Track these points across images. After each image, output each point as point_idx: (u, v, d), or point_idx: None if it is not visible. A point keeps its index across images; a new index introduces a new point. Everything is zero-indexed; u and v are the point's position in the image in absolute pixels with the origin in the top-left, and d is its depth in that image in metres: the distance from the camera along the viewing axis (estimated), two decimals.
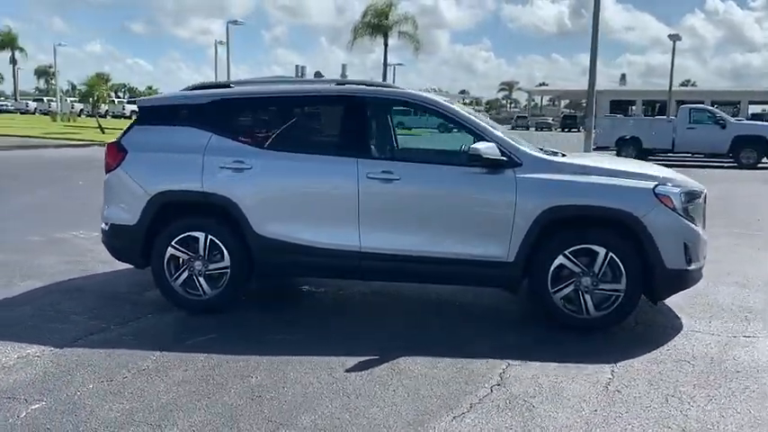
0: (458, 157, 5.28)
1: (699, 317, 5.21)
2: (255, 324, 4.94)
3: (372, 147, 5.01)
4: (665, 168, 5.69)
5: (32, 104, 64.48)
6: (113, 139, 5.46)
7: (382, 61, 54.06)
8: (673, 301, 5.34)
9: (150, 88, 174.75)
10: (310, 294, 5.88)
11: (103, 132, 29.22)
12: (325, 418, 3.41)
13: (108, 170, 5.29)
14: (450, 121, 5.00)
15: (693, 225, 4.79)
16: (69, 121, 35.38)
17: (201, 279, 5.10)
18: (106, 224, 5.34)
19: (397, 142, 5.52)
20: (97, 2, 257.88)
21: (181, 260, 5.11)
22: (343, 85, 5.47)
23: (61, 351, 4.28)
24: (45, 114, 54.43)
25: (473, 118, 4.98)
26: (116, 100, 66.67)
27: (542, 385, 3.87)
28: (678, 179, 4.95)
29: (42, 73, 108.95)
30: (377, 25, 52.01)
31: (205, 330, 4.73)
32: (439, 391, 3.77)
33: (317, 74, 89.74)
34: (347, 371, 4.03)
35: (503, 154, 4.77)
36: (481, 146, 4.68)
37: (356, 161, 4.89)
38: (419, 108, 5.21)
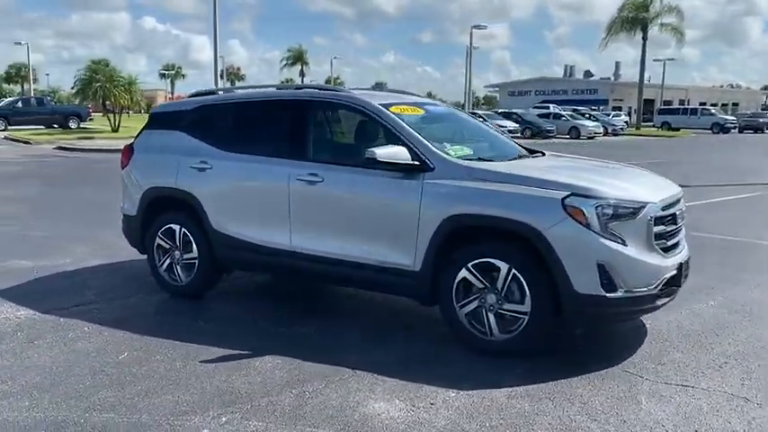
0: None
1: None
2: (194, 313, 5.39)
3: (304, 149, 5.08)
4: (651, 178, 4.87)
5: None
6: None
7: (640, 57, 50.49)
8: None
9: (430, 94, 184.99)
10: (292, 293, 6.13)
11: None
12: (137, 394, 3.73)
13: (122, 168, 6.17)
14: (374, 123, 4.89)
15: (616, 244, 4.05)
16: None
17: (178, 267, 5.70)
18: (122, 214, 6.22)
19: (330, 145, 5.51)
20: (390, 16, 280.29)
21: (165, 249, 5.76)
22: (300, 90, 5.62)
23: (40, 315, 5.17)
24: None
25: (398, 121, 4.78)
26: None
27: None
28: (615, 191, 4.19)
29: (332, 83, 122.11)
30: (634, 19, 48.64)
31: (163, 312, 5.33)
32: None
33: (587, 73, 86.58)
34: (201, 361, 4.27)
35: (415, 158, 4.55)
36: (380, 150, 4.51)
37: (289, 163, 5.06)
38: (345, 109, 5.15)
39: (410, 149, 4.57)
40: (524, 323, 4.22)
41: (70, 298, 5.65)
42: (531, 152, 5.65)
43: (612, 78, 79.37)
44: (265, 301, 5.84)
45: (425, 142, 4.63)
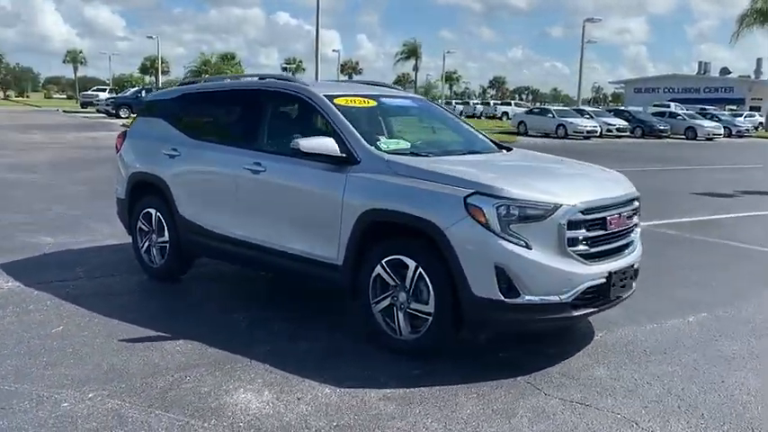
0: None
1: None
2: (164, 296, 5.60)
3: (254, 139, 5.11)
4: (594, 181, 4.53)
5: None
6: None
7: None
8: None
9: (555, 90, 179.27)
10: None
11: None
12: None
13: (117, 152, 6.50)
14: (315, 113, 4.84)
15: (517, 246, 3.78)
16: None
17: (154, 250, 5.95)
18: (115, 197, 6.56)
19: (277, 135, 5.48)
20: (519, 10, 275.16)
21: (144, 231, 6.03)
22: (263, 80, 5.65)
23: (20, 287, 5.59)
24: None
25: (335, 112, 4.69)
26: (491, 102, 70.84)
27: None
28: (524, 191, 3.90)
29: (448, 78, 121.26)
30: None
31: (131, 292, 5.60)
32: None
33: (723, 70, 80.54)
34: (120, 340, 4.44)
35: (344, 150, 4.47)
36: (304, 141, 4.47)
37: (240, 152, 5.13)
38: (293, 99, 5.11)
39: (341, 141, 4.50)
40: (429, 324, 4.05)
41: (58, 273, 6.04)
42: (501, 148, 5.43)
43: (753, 76, 73.28)
44: (234, 287, 5.96)
45: (356, 134, 4.54)
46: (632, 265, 4.32)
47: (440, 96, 76.90)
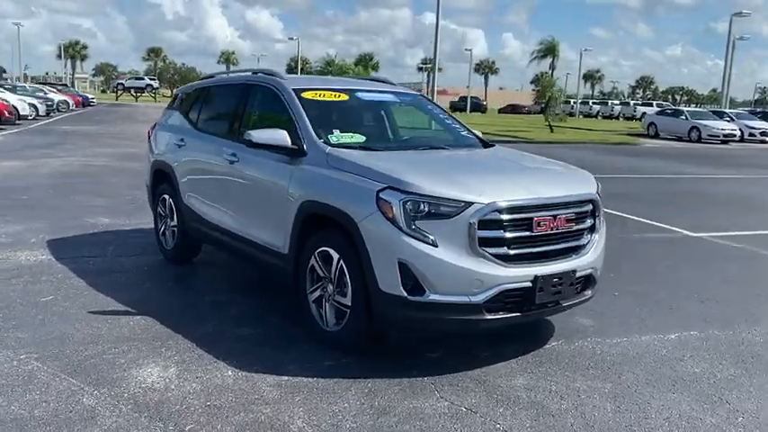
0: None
1: None
2: (163, 278, 5.99)
3: (236, 130, 5.32)
4: (533, 178, 4.33)
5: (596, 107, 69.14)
6: None
7: None
8: None
9: (714, 91, 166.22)
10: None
11: (552, 131, 30.88)
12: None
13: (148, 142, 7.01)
14: (283, 105, 4.93)
15: (422, 243, 3.68)
16: (561, 121, 37.69)
17: (168, 233, 6.38)
18: (145, 184, 7.07)
19: (253, 126, 5.58)
20: (680, 5, 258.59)
21: (162, 216, 6.48)
22: (256, 74, 5.82)
23: (50, 260, 6.22)
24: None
25: (296, 104, 4.77)
26: (632, 102, 67.16)
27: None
28: (437, 187, 3.76)
29: (589, 77, 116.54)
30: None
31: (140, 270, 6.05)
32: None
33: None
34: (89, 311, 4.83)
35: (295, 143, 4.57)
36: (256, 132, 4.61)
37: (224, 142, 5.37)
38: (268, 92, 5.20)
39: (296, 133, 4.60)
40: (347, 317, 4.06)
41: (90, 250, 6.63)
42: (486, 145, 5.29)
43: None
44: (228, 272, 6.21)
45: (308, 127, 4.61)
46: (573, 271, 4.04)
47: (574, 96, 73.94)
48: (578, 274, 4.10)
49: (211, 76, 6.62)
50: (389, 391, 3.65)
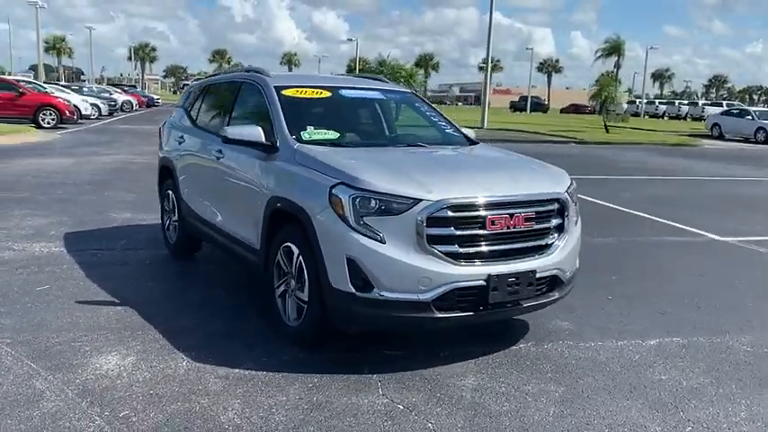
0: None
1: None
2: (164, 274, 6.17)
3: (224, 126, 5.41)
4: (499, 176, 4.27)
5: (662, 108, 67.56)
6: None
7: None
8: None
9: None
10: None
11: (607, 132, 30.05)
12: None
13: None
14: (264, 102, 4.97)
15: (369, 240, 3.67)
16: (622, 121, 36.72)
17: (171, 228, 6.57)
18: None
19: (239, 123, 5.64)
20: (759, 1, 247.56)
21: (166, 211, 6.68)
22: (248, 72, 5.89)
23: (62, 251, 6.51)
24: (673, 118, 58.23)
25: (274, 101, 4.83)
26: (701, 102, 64.68)
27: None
28: (387, 183, 3.75)
29: (658, 76, 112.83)
30: None
31: (141, 264, 6.26)
32: None
33: None
34: (76, 301, 5.02)
35: (269, 139, 4.63)
36: (231, 129, 4.70)
37: (213, 139, 5.48)
38: (253, 89, 5.26)
39: (271, 129, 4.66)
40: (305, 312, 4.09)
41: (102, 243, 6.89)
42: (471, 143, 5.25)
43: None
44: (226, 267, 6.32)
45: (281, 123, 4.66)
46: (532, 272, 3.93)
47: (640, 96, 71.77)
48: (539, 275, 3.99)
49: (215, 75, 6.77)
50: (333, 386, 3.66)
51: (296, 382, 3.69)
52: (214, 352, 4.08)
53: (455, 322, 3.86)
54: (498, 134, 26.54)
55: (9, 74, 54.58)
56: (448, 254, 3.72)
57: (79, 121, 25.90)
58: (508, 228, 3.86)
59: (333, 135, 4.75)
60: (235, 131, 4.66)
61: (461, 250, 3.75)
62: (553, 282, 4.15)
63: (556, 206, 4.13)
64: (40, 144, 17.57)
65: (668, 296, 5.60)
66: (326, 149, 4.40)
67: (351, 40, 70.16)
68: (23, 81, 28.78)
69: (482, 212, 3.79)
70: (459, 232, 3.75)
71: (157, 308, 4.89)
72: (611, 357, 4.23)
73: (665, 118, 62.09)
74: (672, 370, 4.05)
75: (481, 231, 3.80)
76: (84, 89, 35.34)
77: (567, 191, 4.25)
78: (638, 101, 68.03)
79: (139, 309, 4.82)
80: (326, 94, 5.22)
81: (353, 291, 3.71)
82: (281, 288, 4.36)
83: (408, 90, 5.91)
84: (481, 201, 3.81)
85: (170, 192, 6.47)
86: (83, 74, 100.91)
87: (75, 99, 27.08)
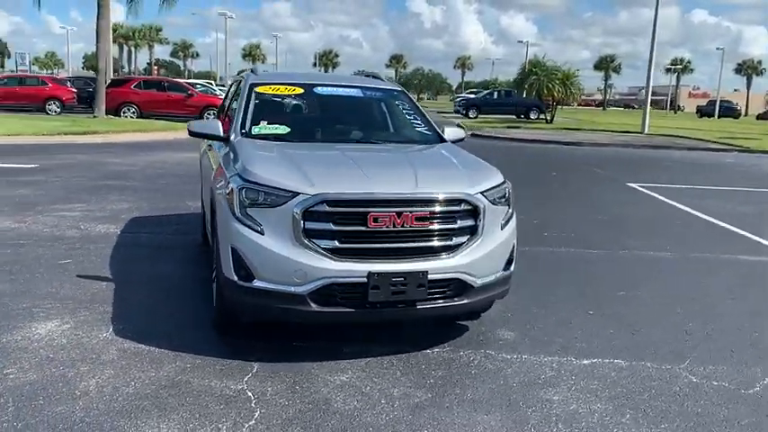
0: None
1: None
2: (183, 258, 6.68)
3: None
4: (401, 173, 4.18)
5: None
6: None
7: None
8: None
9: None
10: None
11: None
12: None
13: None
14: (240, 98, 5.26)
15: (250, 230, 3.77)
16: None
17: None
18: None
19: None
20: None
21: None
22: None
23: (113, 231, 7.28)
24: None
25: (243, 97, 5.12)
26: None
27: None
28: (274, 177, 3.84)
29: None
30: None
31: (172, 249, 6.86)
32: None
33: None
34: (78, 276, 5.63)
35: (224, 133, 4.91)
36: (195, 123, 5.04)
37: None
38: (240, 87, 5.53)
39: (230, 124, 4.95)
40: (215, 299, 4.29)
41: (156, 227, 7.61)
42: (443, 141, 5.18)
43: None
44: None
45: (238, 118, 4.93)
46: (422, 273, 3.78)
47: None
48: (434, 277, 3.83)
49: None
50: (208, 369, 3.80)
51: (177, 361, 3.89)
52: (145, 330, 4.35)
53: (334, 318, 3.85)
54: (655, 140, 24.68)
55: (220, 79, 60.31)
56: (327, 248, 3.71)
57: None
58: (395, 226, 3.76)
59: (282, 130, 4.90)
60: (198, 125, 4.98)
61: (342, 246, 3.73)
62: (460, 287, 3.95)
63: (463, 207, 3.93)
64: (189, 140, 19.34)
65: (658, 317, 5.03)
66: (258, 143, 4.58)
67: (520, 42, 68.82)
68: (199, 84, 31.94)
69: (362, 209, 3.73)
70: (338, 228, 3.73)
71: (137, 287, 5.30)
72: (518, 372, 3.94)
73: None
74: (573, 392, 3.69)
75: (362, 228, 3.74)
76: None
77: (482, 192, 4.02)
78: None
79: (120, 285, 5.29)
80: (299, 91, 5.38)
81: (236, 279, 3.84)
82: (214, 273, 4.58)
83: (395, 88, 5.86)
84: (361, 197, 3.76)
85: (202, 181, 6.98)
86: None
87: None
